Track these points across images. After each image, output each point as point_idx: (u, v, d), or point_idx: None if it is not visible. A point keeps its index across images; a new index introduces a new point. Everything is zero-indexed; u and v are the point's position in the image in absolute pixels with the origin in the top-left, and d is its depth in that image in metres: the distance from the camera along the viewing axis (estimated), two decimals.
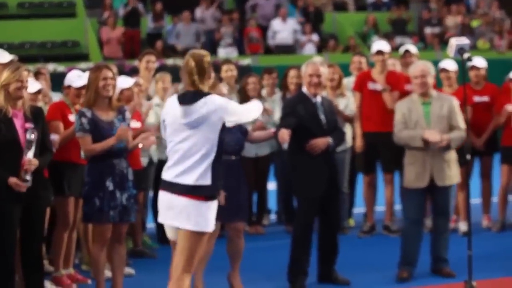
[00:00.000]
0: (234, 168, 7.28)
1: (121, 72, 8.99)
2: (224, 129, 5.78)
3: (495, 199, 10.22)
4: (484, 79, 10.00)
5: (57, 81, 8.09)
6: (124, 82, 8.31)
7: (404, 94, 9.23)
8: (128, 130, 6.82)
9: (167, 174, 5.87)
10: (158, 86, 9.47)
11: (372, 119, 9.65)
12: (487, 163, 10.05)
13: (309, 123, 7.51)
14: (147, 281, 8.03)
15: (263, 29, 21.51)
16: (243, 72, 11.20)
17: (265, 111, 9.20)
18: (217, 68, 13.30)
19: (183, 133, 5.78)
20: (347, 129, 9.78)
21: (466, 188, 8.02)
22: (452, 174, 7.88)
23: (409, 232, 7.97)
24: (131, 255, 8.63)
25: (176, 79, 10.05)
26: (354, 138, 9.91)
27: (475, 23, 22.75)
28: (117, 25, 20.42)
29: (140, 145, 7.05)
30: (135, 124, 8.24)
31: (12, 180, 6.30)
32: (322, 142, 7.48)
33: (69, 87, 7.78)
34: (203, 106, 5.71)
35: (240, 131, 7.41)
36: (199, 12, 21.60)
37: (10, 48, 15.81)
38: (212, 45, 21.12)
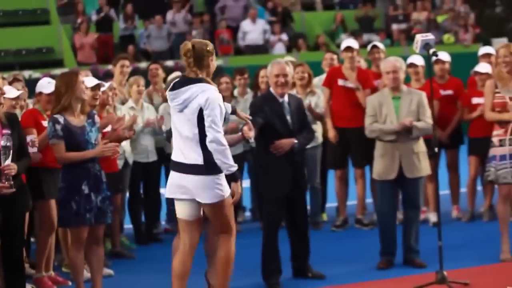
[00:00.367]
0: None
1: (95, 76, 9.07)
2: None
3: (462, 190, 10.39)
4: (448, 73, 10.19)
5: (33, 87, 8.16)
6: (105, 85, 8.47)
7: (374, 90, 9.45)
8: (113, 149, 6.88)
9: (173, 155, 6.29)
10: (133, 89, 9.57)
11: (342, 115, 9.78)
12: (453, 156, 10.23)
13: (275, 123, 7.51)
14: (126, 282, 8.10)
15: (233, 30, 21.64)
16: (215, 73, 11.29)
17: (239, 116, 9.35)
18: None
19: (174, 116, 6.21)
20: (318, 126, 9.94)
21: (435, 180, 8.11)
22: (422, 166, 8.05)
23: (384, 223, 8.14)
24: (109, 256, 8.73)
25: (149, 82, 10.22)
26: (324, 134, 10.03)
27: (440, 18, 23.00)
28: (90, 30, 20.58)
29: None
30: (107, 128, 8.33)
31: None
32: (286, 143, 7.45)
33: (40, 93, 7.80)
34: (186, 91, 6.08)
35: None
36: (170, 15, 21.70)
37: None
38: None
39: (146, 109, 9.68)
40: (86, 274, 7.43)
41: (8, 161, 6.37)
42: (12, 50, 20.34)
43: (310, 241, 7.91)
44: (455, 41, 22.35)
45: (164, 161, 9.73)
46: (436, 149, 7.43)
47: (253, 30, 21.50)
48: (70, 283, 7.79)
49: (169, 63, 19.80)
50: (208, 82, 6.26)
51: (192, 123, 6.14)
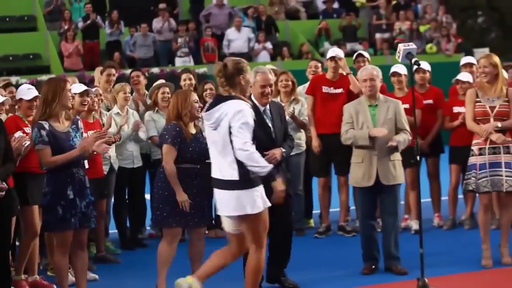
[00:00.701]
0: (199, 176, 7.42)
1: (82, 83, 9.15)
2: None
3: (444, 198, 10.45)
4: (428, 82, 10.28)
5: None
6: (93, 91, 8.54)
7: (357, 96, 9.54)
8: (92, 142, 6.89)
9: (212, 172, 6.53)
10: (119, 96, 9.59)
11: (327, 121, 9.77)
12: (433, 164, 10.31)
13: (259, 132, 7.17)
14: (111, 286, 8.15)
15: (218, 38, 21.77)
16: (200, 80, 11.40)
17: None
18: (175, 77, 13.54)
19: (210, 134, 6.46)
20: (302, 134, 10.01)
21: (417, 188, 8.18)
22: (397, 174, 8.11)
23: (364, 229, 8.22)
24: (94, 261, 8.78)
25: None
26: (307, 142, 10.07)
27: (423, 28, 23.19)
28: (76, 37, 20.67)
29: (95, 152, 7.13)
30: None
31: None
32: (278, 153, 7.32)
33: (20, 100, 7.76)
34: (218, 110, 6.28)
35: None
36: (156, 23, 21.80)
37: None
38: (169, 55, 21.43)
39: (132, 115, 9.74)
40: (71, 278, 7.45)
41: None
42: None
43: (293, 248, 7.87)
44: (437, 50, 22.53)
45: (149, 167, 9.80)
46: (417, 157, 7.49)
47: (238, 38, 21.64)
48: (55, 287, 7.77)
49: (155, 70, 19.91)
50: (241, 99, 6.38)
51: (224, 140, 6.31)
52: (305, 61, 16.34)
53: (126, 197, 9.85)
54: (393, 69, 9.94)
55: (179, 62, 20.97)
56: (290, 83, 9.96)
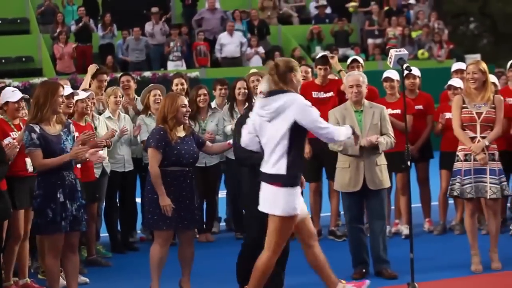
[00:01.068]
0: (188, 178, 7.45)
1: (74, 86, 9.18)
2: (298, 128, 6.33)
3: (434, 203, 10.47)
4: (418, 88, 10.31)
5: None
6: (79, 93, 8.54)
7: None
8: (85, 150, 6.91)
9: (261, 165, 6.54)
10: (110, 100, 9.61)
11: None
12: (423, 169, 10.35)
13: None
14: None
15: (210, 42, 21.81)
16: (192, 84, 11.43)
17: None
18: (167, 81, 13.55)
19: (263, 126, 6.45)
20: None
21: (408, 193, 8.20)
22: (384, 179, 8.14)
23: (352, 234, 8.24)
24: (85, 264, 8.79)
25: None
26: None
27: (415, 34, 23.26)
28: (69, 40, 20.66)
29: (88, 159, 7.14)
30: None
31: None
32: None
33: (6, 103, 7.71)
34: (277, 100, 6.35)
35: (196, 142, 7.57)
36: (148, 27, 21.82)
37: None
38: (161, 59, 21.46)
39: (123, 119, 9.75)
40: (62, 281, 7.45)
41: None
42: None
43: None
44: (429, 56, 22.60)
45: (140, 171, 9.81)
46: (408, 162, 7.50)
47: (230, 43, 21.66)
48: None
49: (147, 74, 19.94)
50: (290, 91, 6.52)
51: (279, 132, 6.37)
52: None
53: (117, 200, 9.86)
54: (385, 74, 9.98)
55: (171, 66, 21.00)
56: None
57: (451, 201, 10.31)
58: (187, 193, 7.41)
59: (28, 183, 7.52)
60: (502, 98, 8.39)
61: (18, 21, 22.37)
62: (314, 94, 9.95)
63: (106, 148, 8.98)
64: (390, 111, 9.58)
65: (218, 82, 10.73)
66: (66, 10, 22.38)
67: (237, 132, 7.27)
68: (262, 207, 6.50)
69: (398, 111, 9.68)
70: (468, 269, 8.22)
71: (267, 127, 6.44)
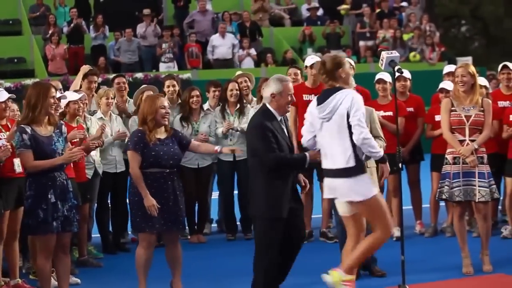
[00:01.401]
0: (169, 180, 7.37)
1: (66, 87, 9.17)
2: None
3: (425, 205, 10.50)
4: (409, 90, 10.32)
5: None
6: (72, 95, 8.54)
7: None
8: (78, 153, 6.91)
9: (324, 163, 6.81)
10: (102, 101, 9.61)
11: None
12: (414, 172, 10.39)
13: (282, 141, 7.09)
14: None
15: (202, 44, 21.83)
16: (184, 86, 11.42)
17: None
18: (159, 82, 13.55)
19: (323, 125, 6.72)
20: None
21: (399, 195, 8.23)
22: (374, 180, 8.05)
23: (343, 235, 8.19)
24: (77, 265, 8.78)
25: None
26: None
27: (406, 37, 23.30)
28: (61, 42, 20.65)
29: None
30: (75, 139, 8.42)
31: None
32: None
33: None
34: (332, 100, 6.60)
35: (179, 144, 7.50)
36: (140, 28, 21.83)
37: None
38: (153, 60, 21.46)
39: (115, 120, 9.76)
40: (54, 282, 7.45)
41: None
42: None
43: None
44: (421, 59, 22.66)
45: None
46: (400, 165, 7.54)
47: (222, 45, 21.67)
48: None
49: (139, 75, 19.94)
50: (341, 88, 6.69)
51: (341, 127, 6.58)
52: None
53: (109, 201, 9.86)
54: (378, 76, 9.99)
55: (163, 67, 21.01)
56: None
57: (442, 204, 10.28)
58: (169, 195, 7.35)
59: (16, 184, 7.50)
60: (490, 101, 8.41)
61: (10, 22, 22.38)
62: (305, 97, 9.92)
63: (98, 147, 9.00)
64: (382, 113, 9.65)
65: (212, 84, 10.73)
66: (58, 12, 22.39)
67: (261, 139, 7.01)
68: (345, 197, 6.72)
69: (390, 113, 9.71)
70: (459, 271, 8.24)
71: (328, 125, 6.67)
